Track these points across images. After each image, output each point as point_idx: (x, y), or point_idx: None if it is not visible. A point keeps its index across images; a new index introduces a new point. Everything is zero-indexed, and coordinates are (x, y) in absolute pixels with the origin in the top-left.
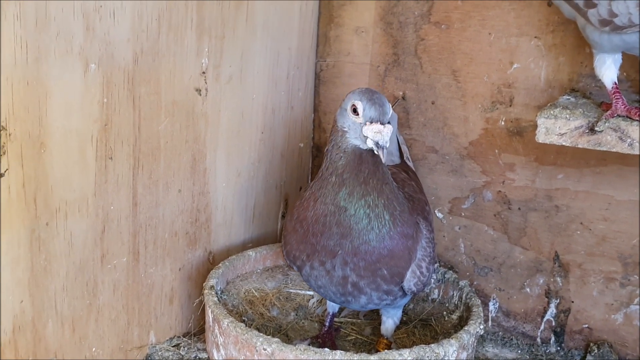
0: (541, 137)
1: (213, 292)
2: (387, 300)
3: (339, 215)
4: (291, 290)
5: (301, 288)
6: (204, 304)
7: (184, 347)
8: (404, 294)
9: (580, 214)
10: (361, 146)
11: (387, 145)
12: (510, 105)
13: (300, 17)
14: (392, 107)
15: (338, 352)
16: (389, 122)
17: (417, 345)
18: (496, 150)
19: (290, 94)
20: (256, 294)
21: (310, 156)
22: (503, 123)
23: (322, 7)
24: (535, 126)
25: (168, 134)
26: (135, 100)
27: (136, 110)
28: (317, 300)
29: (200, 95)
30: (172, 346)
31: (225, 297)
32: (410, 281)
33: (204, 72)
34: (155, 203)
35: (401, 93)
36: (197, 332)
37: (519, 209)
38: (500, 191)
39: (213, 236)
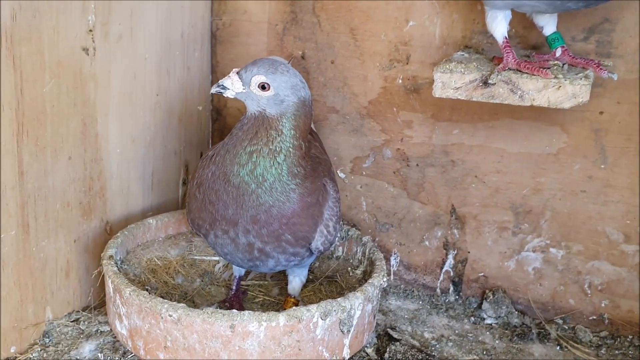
0: (438, 91)
1: (112, 262)
2: (295, 260)
3: (227, 182)
4: (196, 257)
5: (206, 254)
6: (103, 275)
7: (83, 322)
8: (311, 253)
9: (474, 168)
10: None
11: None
12: (407, 63)
13: None
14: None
15: (246, 312)
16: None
17: (324, 300)
18: (394, 109)
19: (185, 55)
20: (159, 262)
21: (209, 120)
22: (400, 81)
23: None
24: (431, 83)
25: (54, 97)
26: (16, 60)
27: (17, 72)
28: (223, 265)
29: (88, 54)
30: (71, 321)
31: (125, 267)
32: (317, 241)
33: (91, 30)
34: (44, 172)
35: (300, 52)
36: (97, 305)
37: (417, 165)
38: (399, 149)
39: (109, 205)
